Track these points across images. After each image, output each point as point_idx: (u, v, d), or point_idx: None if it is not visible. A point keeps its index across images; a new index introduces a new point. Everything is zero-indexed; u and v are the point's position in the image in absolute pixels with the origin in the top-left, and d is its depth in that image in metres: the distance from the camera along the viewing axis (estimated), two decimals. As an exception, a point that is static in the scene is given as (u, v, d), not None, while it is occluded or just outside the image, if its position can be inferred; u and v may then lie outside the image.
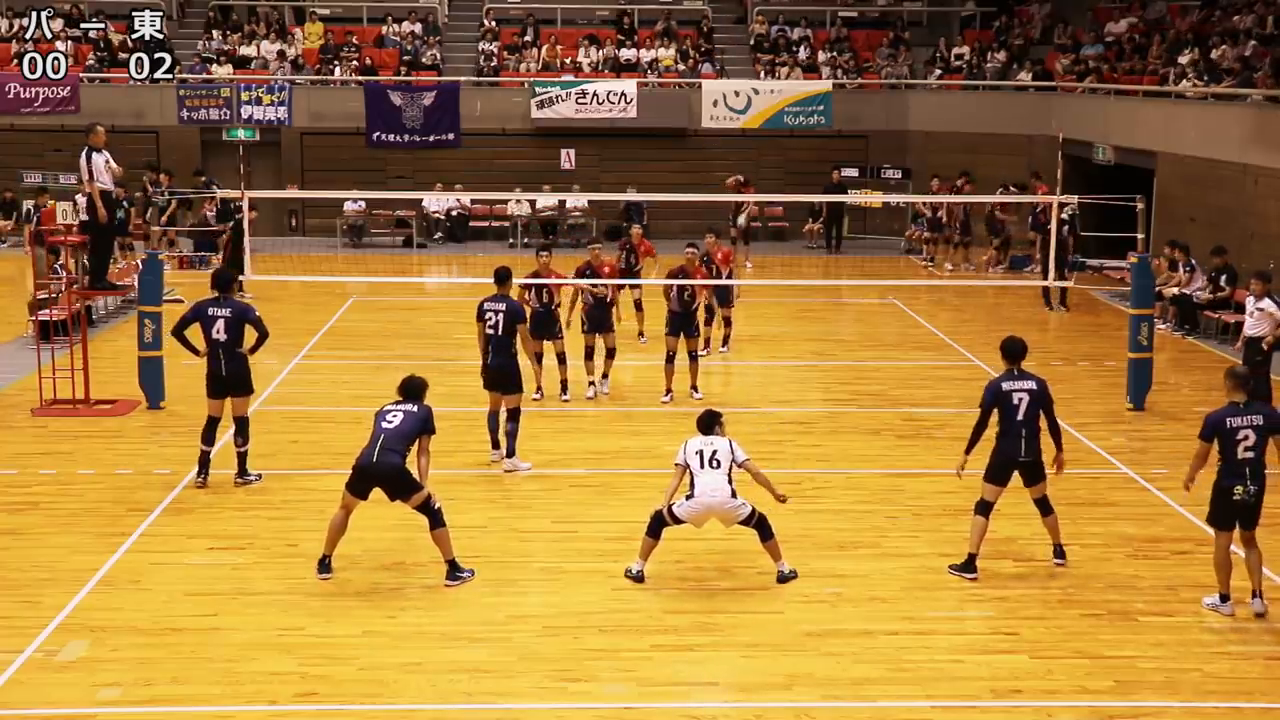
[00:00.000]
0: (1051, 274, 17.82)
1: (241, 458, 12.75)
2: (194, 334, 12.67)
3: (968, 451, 10.65)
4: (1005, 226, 25.45)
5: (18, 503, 12.23)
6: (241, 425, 12.67)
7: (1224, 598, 10.02)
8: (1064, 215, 22.45)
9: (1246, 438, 9.64)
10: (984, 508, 10.62)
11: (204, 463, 12.71)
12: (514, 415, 13.30)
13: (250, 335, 12.69)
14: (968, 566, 10.66)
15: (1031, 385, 10.57)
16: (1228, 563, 9.93)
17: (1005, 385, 10.54)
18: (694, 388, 16.01)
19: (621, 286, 17.71)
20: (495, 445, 13.50)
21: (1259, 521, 9.90)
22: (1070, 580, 10.63)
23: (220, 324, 12.47)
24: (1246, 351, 15.45)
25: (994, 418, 10.57)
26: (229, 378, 12.51)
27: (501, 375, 13.25)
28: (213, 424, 12.61)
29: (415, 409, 10.47)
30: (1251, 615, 9.94)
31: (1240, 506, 9.75)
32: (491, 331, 13.22)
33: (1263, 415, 9.74)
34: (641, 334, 18.91)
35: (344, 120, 29.00)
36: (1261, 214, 20.77)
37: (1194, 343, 19.75)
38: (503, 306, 13.23)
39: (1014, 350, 10.71)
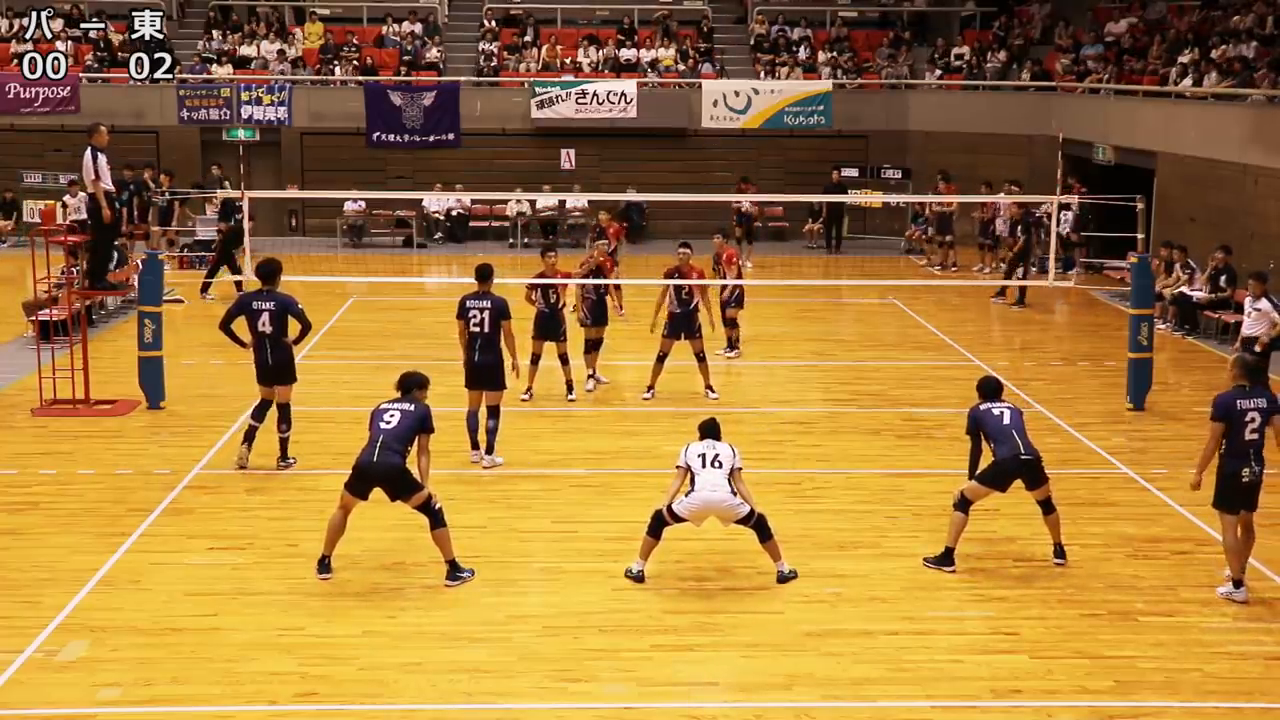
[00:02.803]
0: (1052, 273, 17.80)
1: (284, 443, 13.13)
2: (239, 326, 13.00)
3: (971, 476, 10.78)
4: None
5: (18, 503, 12.22)
6: (284, 412, 13.07)
7: (1238, 584, 10.24)
8: (1035, 216, 22.67)
9: (1253, 420, 10.03)
10: (965, 505, 10.73)
11: (250, 436, 13.15)
12: (495, 412, 13.26)
13: (294, 326, 12.96)
14: (945, 559, 10.74)
15: (1010, 405, 11.00)
16: (1238, 545, 10.20)
17: (984, 406, 10.94)
18: (709, 388, 16.01)
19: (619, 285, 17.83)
20: (475, 445, 13.41)
21: (1258, 505, 10.21)
22: (1070, 580, 10.63)
23: (265, 317, 12.84)
24: (1244, 351, 15.45)
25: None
26: (274, 367, 12.95)
27: (487, 372, 13.20)
28: (265, 405, 13.12)
29: (413, 408, 10.45)
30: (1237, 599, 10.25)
31: (1248, 488, 10.08)
32: (477, 329, 13.17)
33: (1265, 399, 10.14)
34: (620, 307, 19.12)
35: (344, 120, 29.01)
36: (1261, 214, 20.77)
37: (1194, 343, 19.74)
38: (487, 304, 13.18)
39: (990, 388, 11.15)
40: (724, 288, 17.72)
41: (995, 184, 25.85)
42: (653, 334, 16.22)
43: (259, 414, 13.13)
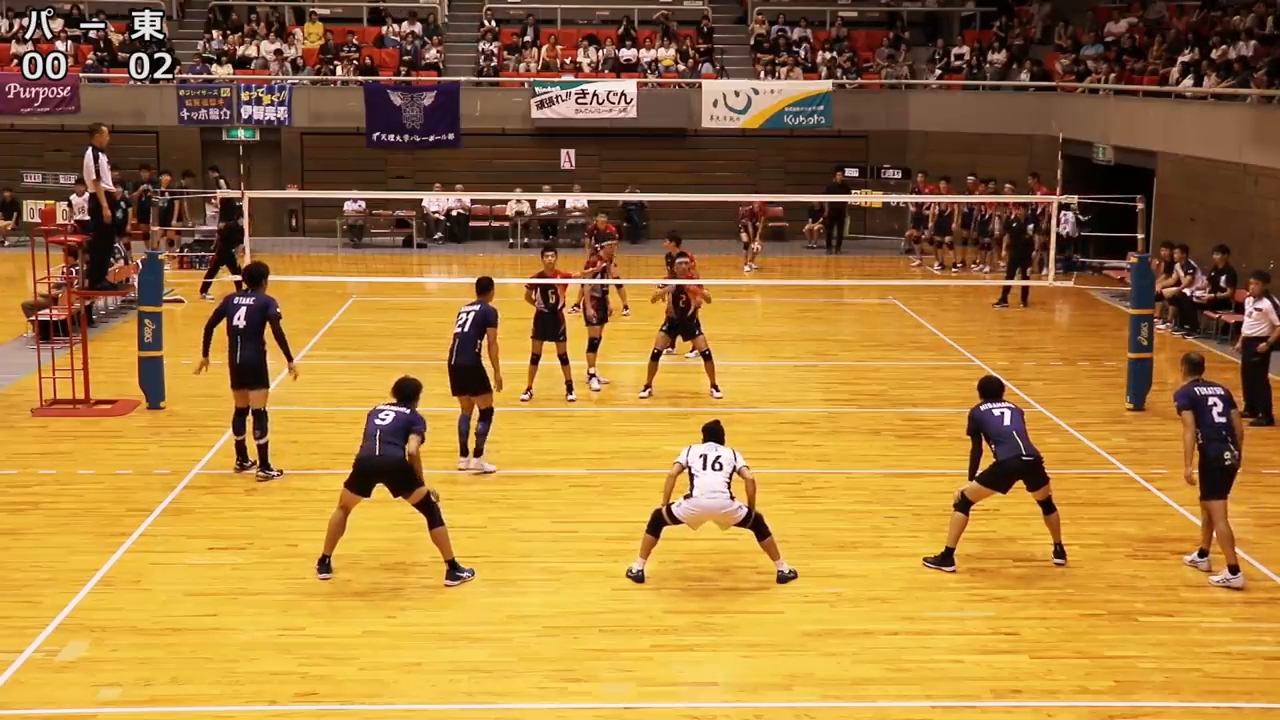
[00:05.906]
0: (1052, 273, 17.79)
1: (262, 450, 12.88)
2: (218, 330, 12.95)
3: (972, 476, 10.78)
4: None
5: (18, 503, 12.23)
6: (259, 418, 12.84)
7: (1234, 569, 10.42)
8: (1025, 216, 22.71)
9: (1216, 405, 10.45)
10: (965, 505, 10.75)
11: (240, 451, 12.99)
12: (486, 416, 13.12)
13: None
14: (945, 560, 10.76)
15: (1011, 405, 11.02)
16: (1231, 532, 10.43)
17: (984, 406, 10.95)
18: (714, 387, 16.02)
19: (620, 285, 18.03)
20: (463, 451, 13.23)
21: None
22: (1070, 580, 10.63)
23: (242, 311, 12.74)
24: (1245, 351, 15.45)
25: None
26: (243, 367, 12.75)
27: (464, 375, 13.03)
28: (240, 414, 12.92)
29: (408, 411, 10.50)
30: (1202, 573, 10.73)
31: (1230, 471, 10.43)
32: (459, 330, 13.09)
33: (1222, 388, 10.60)
34: (625, 306, 19.57)
35: (344, 120, 28.99)
36: (1261, 214, 20.77)
37: (1194, 343, 19.67)
38: (476, 308, 13.15)
39: (991, 388, 11.17)
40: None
41: (996, 184, 25.88)
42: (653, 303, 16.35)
43: (238, 426, 12.94)
